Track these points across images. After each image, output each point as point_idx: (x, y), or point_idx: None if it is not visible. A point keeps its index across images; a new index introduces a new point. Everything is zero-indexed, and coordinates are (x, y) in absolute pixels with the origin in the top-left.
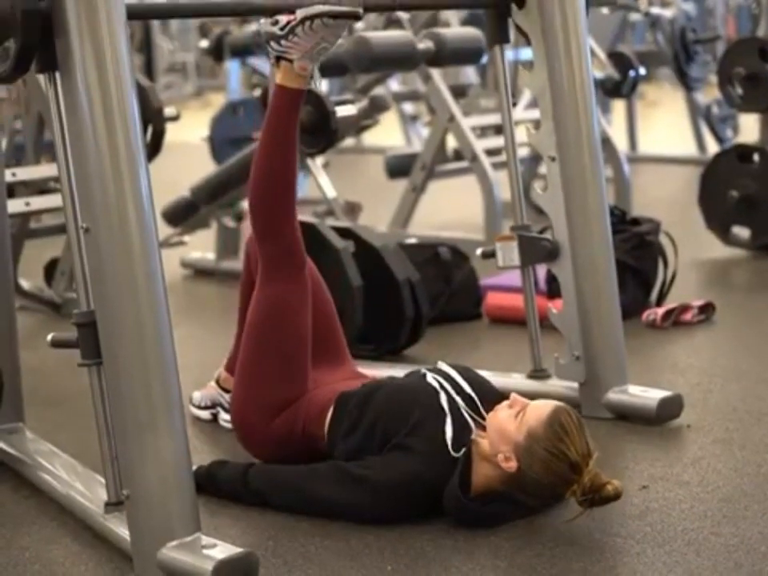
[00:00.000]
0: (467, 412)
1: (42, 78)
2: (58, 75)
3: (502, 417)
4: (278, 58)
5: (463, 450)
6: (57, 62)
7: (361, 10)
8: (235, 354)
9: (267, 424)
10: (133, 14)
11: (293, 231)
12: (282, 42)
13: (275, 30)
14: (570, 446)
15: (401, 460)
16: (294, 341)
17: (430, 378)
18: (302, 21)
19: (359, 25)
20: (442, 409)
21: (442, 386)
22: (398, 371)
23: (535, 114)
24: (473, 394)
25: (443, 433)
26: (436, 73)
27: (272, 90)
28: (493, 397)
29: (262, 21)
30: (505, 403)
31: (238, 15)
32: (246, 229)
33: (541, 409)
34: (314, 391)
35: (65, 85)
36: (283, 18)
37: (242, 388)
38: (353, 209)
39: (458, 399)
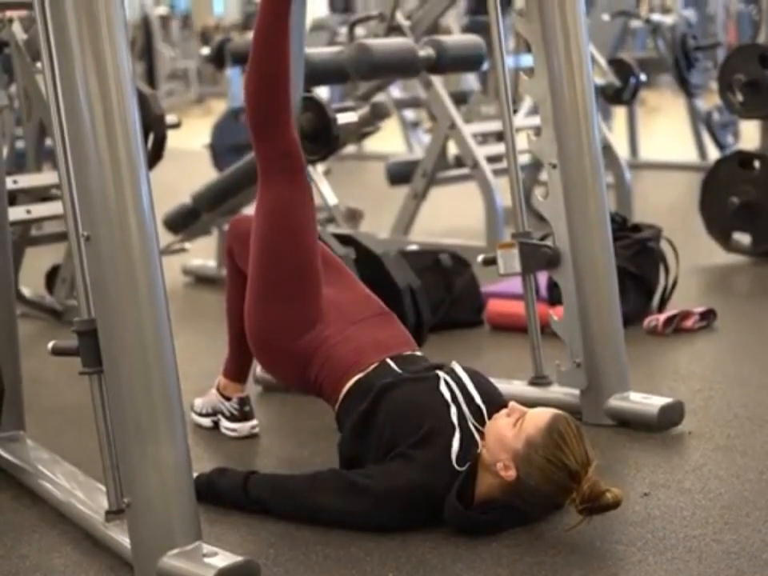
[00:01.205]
0: (474, 426)
1: (42, 84)
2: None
3: (500, 425)
4: None
5: (467, 464)
6: None
7: None
8: (231, 360)
9: (286, 345)
10: None
11: (288, 131)
12: None
13: None
14: (569, 454)
15: (403, 469)
16: (300, 240)
17: (443, 386)
18: None
19: (360, 32)
20: (452, 424)
21: (453, 398)
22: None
23: (536, 120)
24: (482, 405)
25: (449, 447)
26: (437, 80)
27: None
28: (500, 407)
29: None
30: (503, 411)
31: None
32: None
33: (539, 417)
34: (337, 336)
35: (66, 93)
36: None
37: (257, 304)
38: (354, 216)
39: (467, 413)
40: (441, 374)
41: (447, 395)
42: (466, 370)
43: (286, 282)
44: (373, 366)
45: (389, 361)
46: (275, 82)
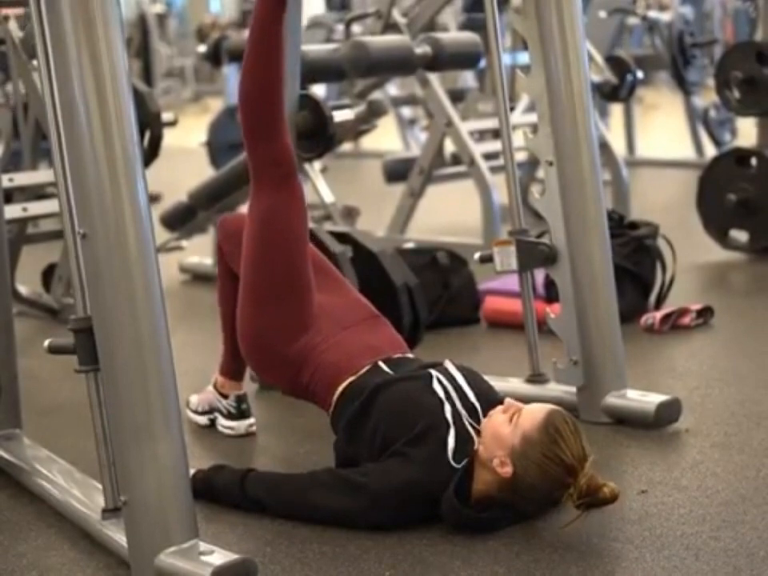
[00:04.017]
0: (470, 423)
1: (38, 82)
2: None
3: (496, 422)
4: None
5: (465, 461)
6: None
7: None
8: (227, 358)
9: (279, 350)
10: None
11: (281, 137)
12: None
13: None
14: (565, 449)
15: (399, 468)
16: (292, 246)
17: (436, 384)
18: None
19: (356, 29)
20: (446, 421)
21: (447, 396)
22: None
23: (533, 118)
24: (476, 403)
25: (445, 444)
26: (434, 77)
27: None
28: (496, 404)
29: None
30: (499, 408)
31: None
32: (217, 227)
33: (535, 412)
34: (328, 341)
35: (62, 90)
36: None
37: (249, 310)
38: (351, 213)
39: (462, 411)
40: (434, 372)
41: (441, 393)
42: (459, 368)
43: (277, 288)
44: (365, 369)
45: (380, 363)
46: (269, 88)
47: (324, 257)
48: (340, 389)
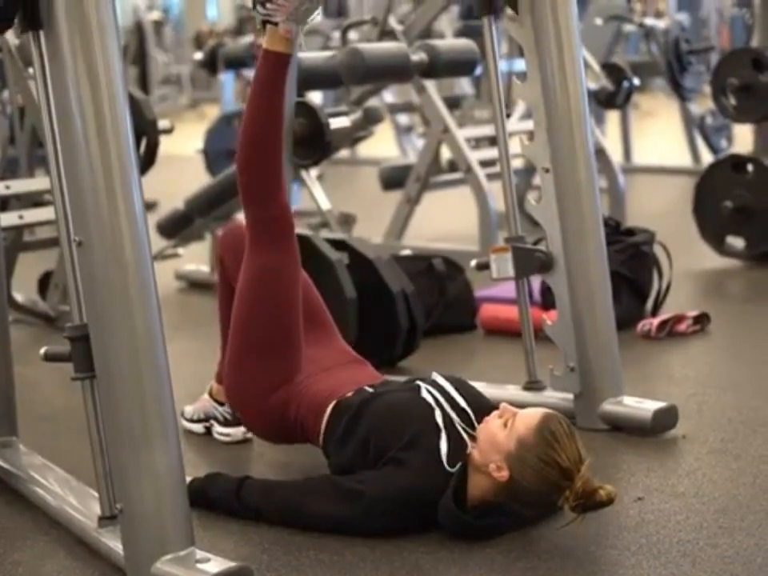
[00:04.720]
0: (462, 427)
1: (34, 89)
2: (42, 34)
3: (492, 426)
4: (264, 22)
5: (459, 465)
6: (41, 21)
7: None
8: (223, 365)
9: (262, 401)
10: None
11: (280, 197)
12: (267, 4)
13: None
14: (561, 452)
15: (395, 474)
16: (283, 309)
17: (425, 392)
18: None
19: (353, 36)
20: (437, 425)
21: (437, 402)
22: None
23: (529, 125)
24: (467, 408)
25: (438, 449)
26: (430, 84)
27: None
28: (487, 410)
29: None
30: (494, 413)
31: None
32: (218, 236)
33: (530, 417)
34: (309, 379)
35: (57, 97)
36: None
37: (236, 362)
38: (347, 220)
39: (453, 415)
40: (421, 383)
41: (430, 399)
42: (447, 378)
43: (266, 343)
44: (351, 393)
45: (365, 387)
46: (268, 154)
47: (315, 297)
48: (328, 410)
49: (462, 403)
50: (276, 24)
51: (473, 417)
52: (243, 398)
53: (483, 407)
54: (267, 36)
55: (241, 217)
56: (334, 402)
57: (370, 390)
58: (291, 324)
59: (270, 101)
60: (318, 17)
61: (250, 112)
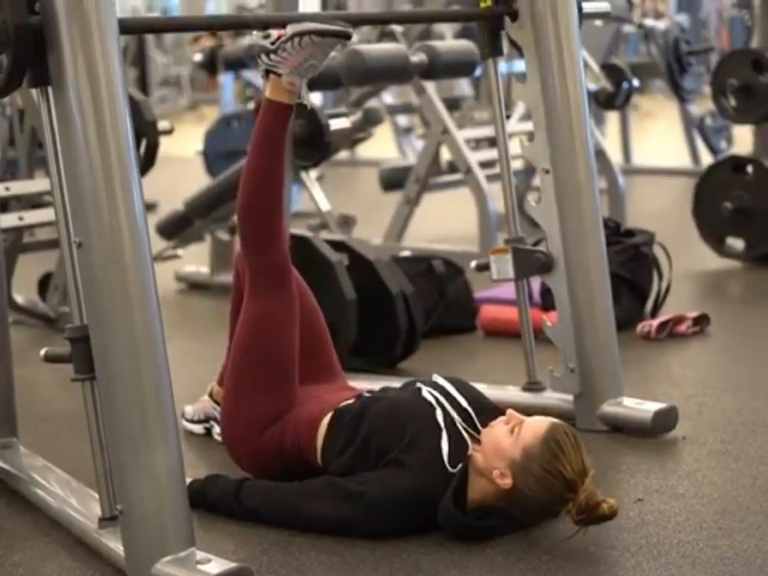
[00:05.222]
0: (463, 427)
1: (34, 93)
2: (50, 90)
3: (497, 433)
4: (268, 72)
5: (460, 465)
6: (49, 77)
7: (350, 31)
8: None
9: (255, 438)
10: (127, 28)
11: (281, 246)
12: (272, 55)
13: (266, 43)
14: (566, 463)
15: (396, 475)
16: (280, 355)
17: (426, 392)
18: (292, 36)
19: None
20: (438, 425)
21: (438, 402)
22: (393, 384)
23: (529, 126)
24: (468, 408)
25: (439, 449)
26: (430, 85)
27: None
28: (488, 410)
29: (255, 33)
30: (501, 419)
31: (231, 29)
32: (236, 244)
33: (537, 426)
34: (302, 407)
35: (57, 99)
36: (274, 33)
37: (231, 402)
38: (347, 222)
39: (454, 414)
40: (422, 385)
41: (431, 399)
42: (447, 379)
43: (259, 383)
44: (349, 400)
45: (365, 393)
46: (269, 202)
47: (321, 329)
48: (325, 420)
49: (463, 403)
50: (279, 75)
51: (474, 416)
52: (236, 436)
53: (484, 407)
54: (270, 86)
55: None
56: (331, 413)
57: (369, 394)
58: (286, 369)
59: (272, 150)
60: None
61: (252, 161)
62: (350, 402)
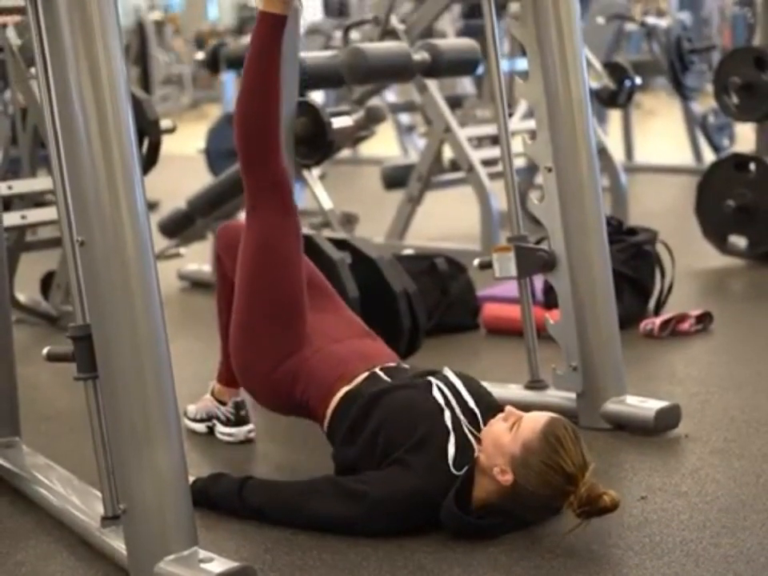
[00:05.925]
0: (470, 430)
1: (37, 90)
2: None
3: (497, 430)
4: None
5: (465, 468)
6: None
7: None
8: (224, 365)
9: (267, 373)
10: None
11: (279, 161)
12: None
13: None
14: (566, 457)
15: (400, 476)
16: (288, 272)
17: (436, 391)
18: None
19: (355, 35)
20: (446, 428)
21: (447, 403)
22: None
23: (531, 124)
24: (476, 410)
25: (445, 451)
26: (432, 83)
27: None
28: (494, 410)
29: None
30: (500, 416)
31: None
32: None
33: (535, 421)
34: (318, 354)
35: (60, 97)
36: None
37: (241, 333)
38: (349, 220)
39: (462, 417)
40: (433, 380)
41: (440, 400)
42: (458, 375)
43: (271, 312)
44: (362, 378)
45: (377, 371)
46: (266, 109)
47: (318, 272)
48: (336, 398)
49: (471, 404)
50: None
51: (480, 418)
52: (251, 374)
53: (491, 407)
54: None
55: (242, 217)
56: (342, 392)
57: (382, 375)
58: (296, 290)
59: (267, 62)
60: None
61: (248, 74)
62: (361, 381)
